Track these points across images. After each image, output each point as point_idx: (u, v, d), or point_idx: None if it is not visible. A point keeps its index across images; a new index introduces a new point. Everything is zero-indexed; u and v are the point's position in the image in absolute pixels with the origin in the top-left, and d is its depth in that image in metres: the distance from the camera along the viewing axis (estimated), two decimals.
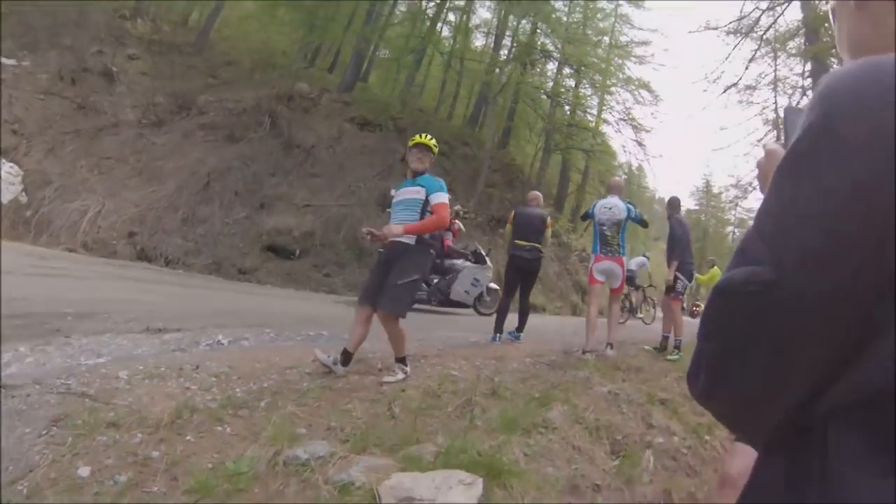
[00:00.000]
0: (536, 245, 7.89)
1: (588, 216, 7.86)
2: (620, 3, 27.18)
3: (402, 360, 4.98)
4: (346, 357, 4.87)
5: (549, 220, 8.20)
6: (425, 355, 5.95)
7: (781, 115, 1.20)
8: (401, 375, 4.87)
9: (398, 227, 4.74)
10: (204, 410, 3.60)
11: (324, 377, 4.66)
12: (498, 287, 10.92)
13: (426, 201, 4.90)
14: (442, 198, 4.90)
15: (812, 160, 0.62)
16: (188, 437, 3.24)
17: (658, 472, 4.29)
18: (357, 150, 17.99)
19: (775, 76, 23.71)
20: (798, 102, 22.67)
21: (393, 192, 5.27)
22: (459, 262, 11.65)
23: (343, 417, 3.80)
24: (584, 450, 4.02)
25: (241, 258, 13.79)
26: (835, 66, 20.77)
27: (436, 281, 11.38)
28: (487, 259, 12.02)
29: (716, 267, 14.37)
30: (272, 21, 23.75)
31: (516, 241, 7.94)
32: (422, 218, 4.85)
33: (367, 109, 20.42)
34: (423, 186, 4.96)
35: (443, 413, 4.20)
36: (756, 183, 0.88)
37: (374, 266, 5.17)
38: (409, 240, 4.84)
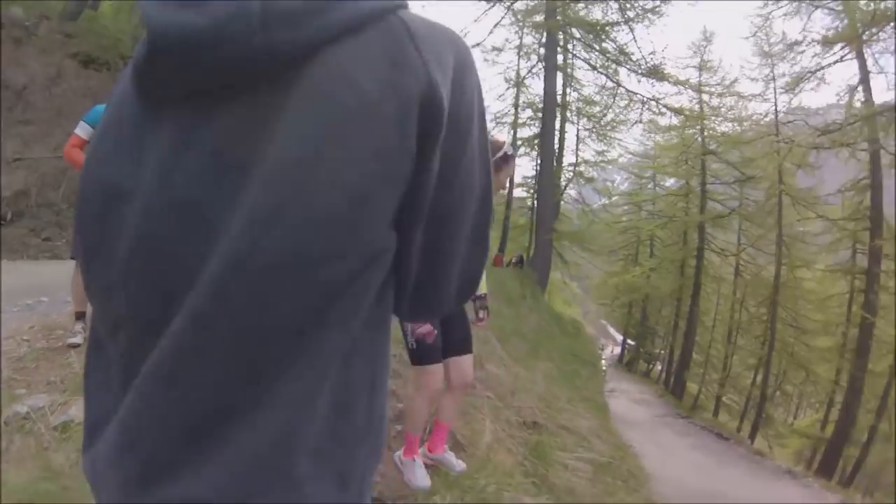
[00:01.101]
0: None
1: None
2: None
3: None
4: (80, 316, 4.85)
5: None
6: None
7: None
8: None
9: None
10: None
11: (44, 339, 4.77)
12: None
13: None
14: None
15: None
16: None
17: None
18: (79, 92, 15.82)
19: (521, 42, 26.15)
20: (535, 67, 25.62)
21: None
22: None
23: (63, 371, 4.08)
24: None
25: None
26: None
27: None
28: None
29: None
30: None
31: None
32: None
33: (93, 44, 17.87)
34: None
35: None
36: None
37: None
38: None
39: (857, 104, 22.22)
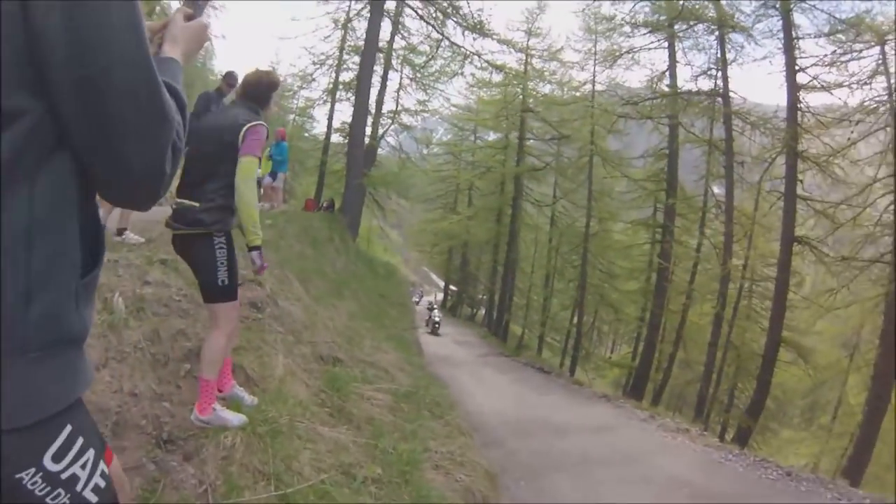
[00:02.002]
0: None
1: None
2: None
3: None
4: None
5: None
6: None
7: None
8: None
9: None
10: None
11: None
12: None
13: None
14: None
15: None
16: None
17: (148, 317, 4.72)
18: None
19: None
20: (364, 9, 24.86)
21: None
22: None
23: None
24: None
25: None
26: None
27: None
28: None
29: None
30: None
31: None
32: None
33: None
34: None
35: None
36: None
37: None
38: None
39: (665, 87, 25.10)
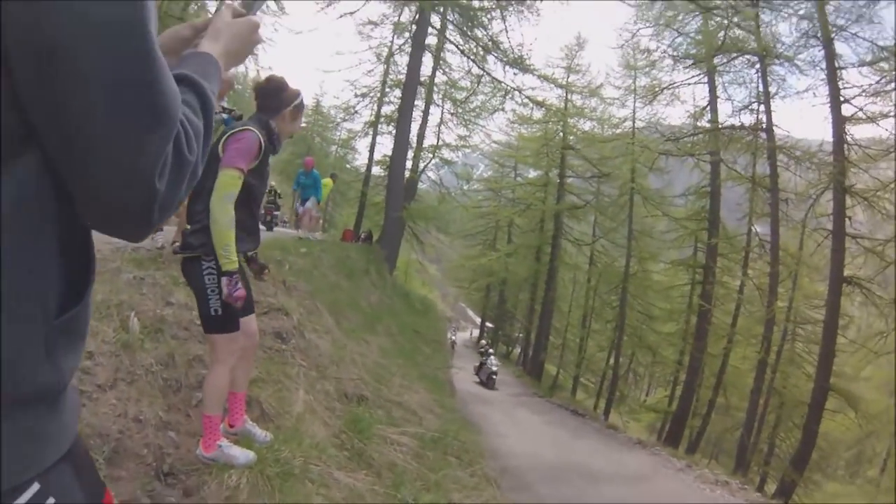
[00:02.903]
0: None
1: None
2: None
3: None
4: None
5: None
6: None
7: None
8: None
9: None
10: None
11: None
12: None
13: None
14: None
15: None
16: None
17: (165, 339, 4.51)
18: None
19: (398, 19, 25.71)
20: (405, 44, 25.21)
21: None
22: None
23: None
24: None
25: None
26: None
27: None
28: None
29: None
30: None
31: None
32: None
33: None
34: None
35: None
36: None
37: None
38: None
39: (706, 124, 24.71)
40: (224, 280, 3.04)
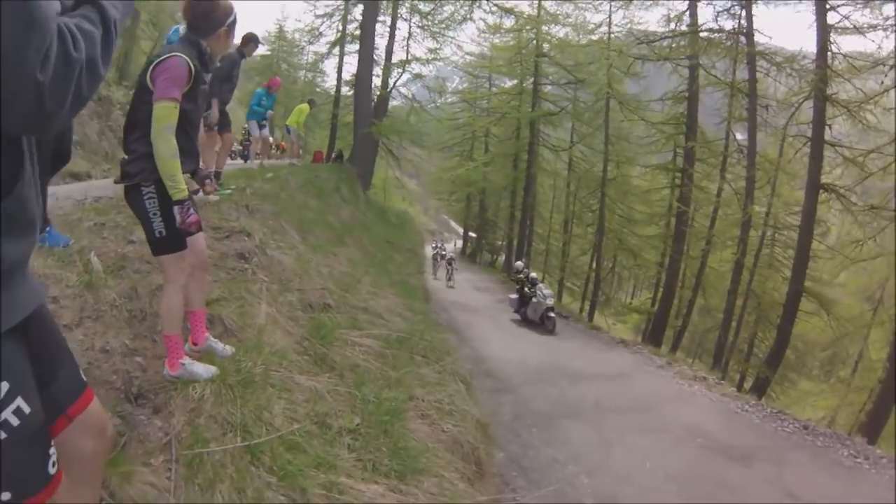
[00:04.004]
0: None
1: None
2: None
3: None
4: None
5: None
6: None
7: None
8: None
9: None
10: None
11: None
12: None
13: None
14: None
15: None
16: None
17: (128, 275, 4.59)
18: None
19: None
20: None
21: None
22: None
23: None
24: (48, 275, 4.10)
25: None
26: None
27: None
28: None
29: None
30: None
31: None
32: None
33: None
34: None
35: None
36: None
37: None
38: None
39: (685, 28, 24.14)
40: (176, 209, 3.11)
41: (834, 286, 23.19)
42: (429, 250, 30.59)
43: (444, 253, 27.01)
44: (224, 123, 8.21)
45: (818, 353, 30.62)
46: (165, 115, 3.01)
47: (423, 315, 7.77)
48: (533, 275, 18.08)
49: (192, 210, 3.14)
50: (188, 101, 3.18)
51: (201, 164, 7.51)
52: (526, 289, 17.45)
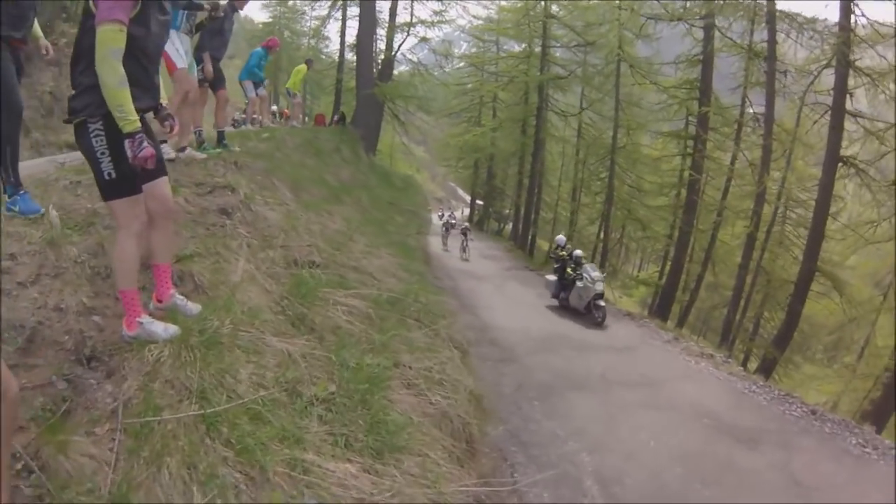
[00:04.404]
0: None
1: None
2: None
3: None
4: None
5: None
6: None
7: None
8: None
9: None
10: None
11: None
12: None
13: None
14: None
15: None
16: None
17: (97, 231, 4.26)
18: None
19: None
20: None
21: None
22: None
23: None
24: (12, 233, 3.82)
25: None
26: None
27: None
28: None
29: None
30: None
31: None
32: None
33: None
34: None
35: None
36: None
37: None
38: None
39: None
40: (127, 143, 2.82)
41: (844, 268, 22.65)
42: (435, 219, 30.05)
43: (453, 222, 26.14)
44: (218, 80, 7.87)
45: (823, 337, 30.15)
46: (108, 38, 2.71)
47: (420, 276, 7.37)
48: (578, 252, 15.07)
49: (145, 143, 2.82)
50: (137, 26, 2.85)
51: (192, 126, 7.15)
52: (568, 269, 14.64)
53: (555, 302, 15.18)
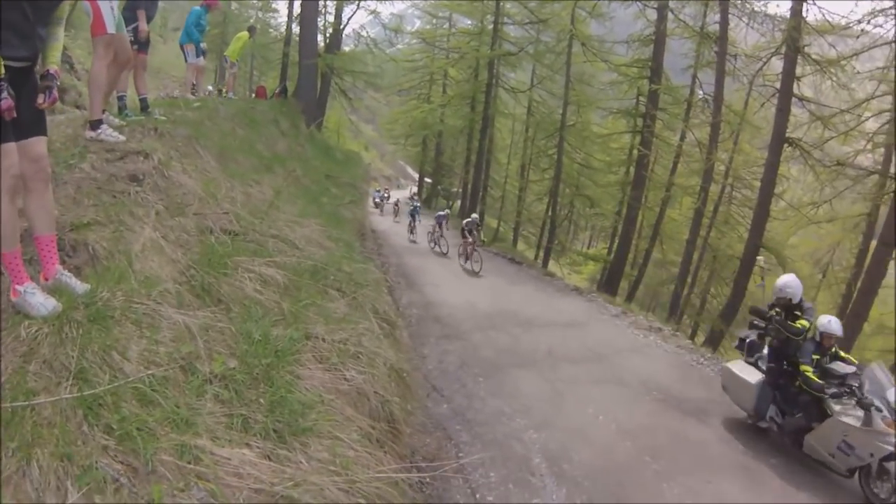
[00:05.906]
0: None
1: None
2: None
3: None
4: None
5: None
6: None
7: None
8: None
9: None
10: None
11: None
12: None
13: None
14: None
15: None
16: None
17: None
18: None
19: None
20: None
21: None
22: None
23: None
24: None
25: None
26: None
27: None
28: None
29: None
30: None
31: None
32: None
33: None
34: None
35: None
36: None
37: None
38: None
39: None
40: None
41: (786, 247, 23.37)
42: (371, 203, 29.37)
43: (387, 196, 25.51)
44: (144, 42, 7.40)
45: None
46: None
47: (347, 245, 7.04)
48: (831, 323, 7.01)
49: (4, 94, 2.51)
50: None
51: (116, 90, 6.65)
52: (805, 368, 6.79)
53: (765, 424, 7.51)
